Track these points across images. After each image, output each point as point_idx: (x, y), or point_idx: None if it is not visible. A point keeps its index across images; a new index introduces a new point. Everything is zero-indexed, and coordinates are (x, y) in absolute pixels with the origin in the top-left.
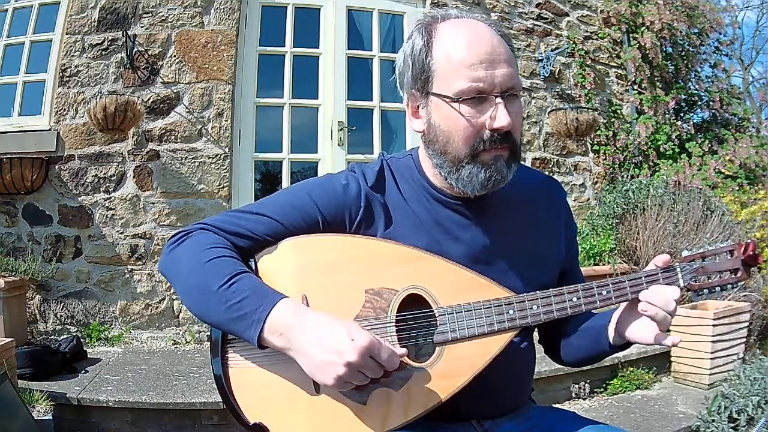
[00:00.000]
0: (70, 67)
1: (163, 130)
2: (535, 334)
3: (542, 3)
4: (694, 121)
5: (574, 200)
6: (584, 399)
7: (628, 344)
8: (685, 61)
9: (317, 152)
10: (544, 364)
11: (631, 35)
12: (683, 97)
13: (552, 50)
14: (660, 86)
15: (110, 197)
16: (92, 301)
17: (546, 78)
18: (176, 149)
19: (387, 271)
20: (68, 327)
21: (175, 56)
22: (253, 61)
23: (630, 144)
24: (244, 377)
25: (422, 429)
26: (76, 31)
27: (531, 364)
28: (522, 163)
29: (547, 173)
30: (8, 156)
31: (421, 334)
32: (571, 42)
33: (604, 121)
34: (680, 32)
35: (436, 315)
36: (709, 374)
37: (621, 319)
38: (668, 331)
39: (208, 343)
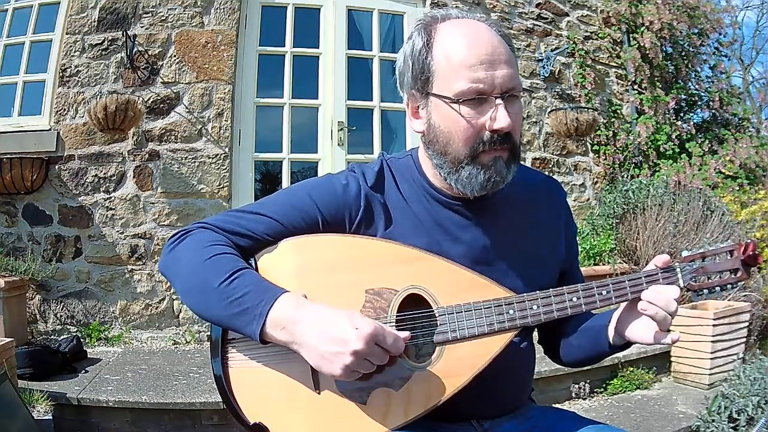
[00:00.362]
0: (70, 67)
1: (163, 130)
2: (535, 335)
3: (542, 3)
4: (694, 121)
5: (574, 200)
6: (584, 399)
7: (628, 344)
8: (685, 61)
9: (317, 152)
10: (544, 364)
11: (631, 35)
12: (683, 97)
13: (552, 50)
14: (660, 86)
15: (110, 197)
16: (92, 301)
17: (546, 78)
18: (176, 149)
19: (387, 271)
20: (68, 327)
21: (175, 56)
22: (253, 61)
23: (630, 144)
24: (244, 377)
25: (422, 429)
26: (76, 31)
27: (531, 364)
28: (522, 163)
29: (547, 173)
30: (8, 156)
31: (421, 334)
32: (571, 42)
33: (604, 121)
34: (680, 32)
35: (436, 315)
36: (709, 374)
37: (621, 319)
38: (668, 331)
39: (208, 342)
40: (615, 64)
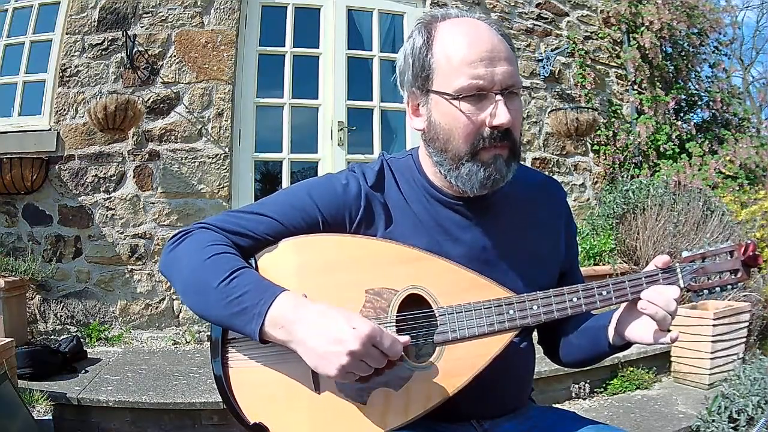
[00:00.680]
0: (70, 67)
1: (163, 130)
2: (535, 335)
3: (542, 3)
4: (694, 121)
5: (574, 200)
6: (584, 399)
7: (628, 345)
8: (685, 61)
9: (317, 152)
10: (544, 364)
11: (630, 35)
12: (683, 97)
13: (552, 50)
14: (660, 86)
15: (110, 197)
16: (92, 301)
17: (546, 78)
18: (176, 149)
19: (387, 271)
20: (68, 327)
21: (175, 56)
22: (253, 61)
23: (630, 144)
24: (244, 377)
25: (422, 429)
26: (76, 31)
27: (531, 364)
28: (522, 163)
29: (547, 173)
30: (8, 156)
31: (421, 334)
32: (571, 42)
33: (604, 121)
34: (680, 32)
35: (436, 315)
36: (709, 374)
37: (621, 320)
38: (668, 330)
39: (208, 342)
40: (615, 64)
